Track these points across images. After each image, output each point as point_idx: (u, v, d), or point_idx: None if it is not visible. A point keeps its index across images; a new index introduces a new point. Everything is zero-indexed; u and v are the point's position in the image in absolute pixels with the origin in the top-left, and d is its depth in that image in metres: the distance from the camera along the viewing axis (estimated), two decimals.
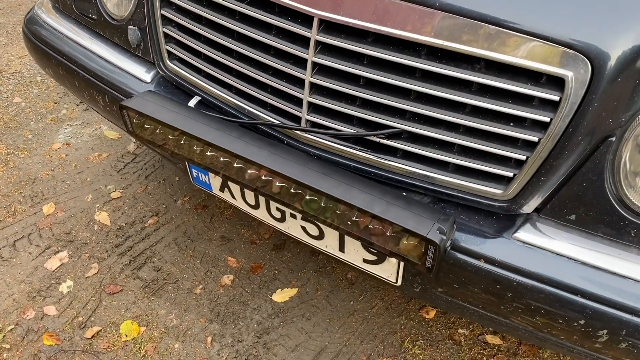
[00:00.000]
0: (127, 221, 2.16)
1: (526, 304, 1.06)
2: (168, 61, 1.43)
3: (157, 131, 1.24)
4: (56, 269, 1.97)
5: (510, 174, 1.05)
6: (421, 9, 0.99)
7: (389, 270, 1.23)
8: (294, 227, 1.32)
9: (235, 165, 1.15)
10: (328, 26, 1.10)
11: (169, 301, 1.87)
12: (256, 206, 1.37)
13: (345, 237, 1.24)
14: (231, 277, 1.95)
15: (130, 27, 1.48)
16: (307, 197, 1.07)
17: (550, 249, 1.04)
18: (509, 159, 1.05)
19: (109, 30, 1.57)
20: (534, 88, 0.96)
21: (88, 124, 2.65)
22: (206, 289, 1.91)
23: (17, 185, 2.30)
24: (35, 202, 2.22)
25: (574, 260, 1.02)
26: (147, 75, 1.50)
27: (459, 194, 1.12)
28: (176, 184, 2.32)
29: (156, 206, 2.22)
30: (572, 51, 0.91)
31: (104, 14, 1.55)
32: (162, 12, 1.36)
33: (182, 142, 1.21)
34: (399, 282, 1.23)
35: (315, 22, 1.08)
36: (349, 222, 1.04)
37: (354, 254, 1.25)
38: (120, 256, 2.02)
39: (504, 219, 1.10)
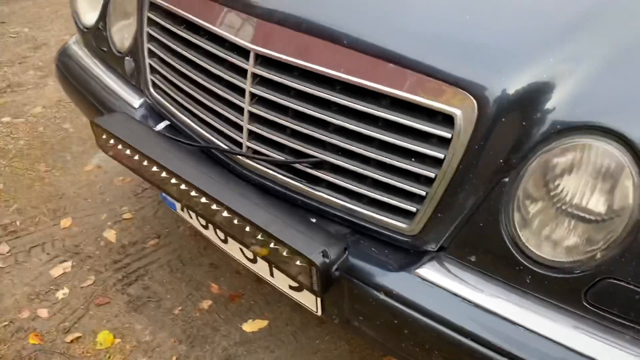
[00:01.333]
0: (130, 240, 2.30)
1: (421, 342, 1.04)
2: (152, 89, 1.58)
3: (119, 147, 1.37)
4: (58, 276, 2.13)
5: (414, 209, 1.06)
6: (333, 45, 1.06)
7: (310, 299, 1.24)
8: (235, 249, 1.38)
9: (172, 181, 1.24)
10: (265, 60, 1.19)
11: (147, 318, 1.96)
12: (206, 227, 1.44)
13: None
14: (210, 302, 2.01)
15: (126, 58, 1.66)
16: (223, 215, 1.14)
17: (446, 288, 1.02)
18: (413, 194, 1.06)
19: (113, 61, 1.76)
20: (430, 125, 0.99)
21: None
22: (184, 311, 1.98)
23: (46, 200, 2.53)
24: (57, 216, 2.43)
25: (468, 301, 1.00)
26: (137, 102, 1.66)
27: (372, 227, 1.14)
28: None
29: (160, 229, 2.35)
30: (460, 89, 0.94)
31: (111, 46, 1.75)
32: (148, 45, 1.52)
33: (135, 158, 1.32)
34: (319, 312, 1.25)
35: (252, 55, 1.18)
36: (254, 241, 1.09)
37: (282, 279, 1.29)
38: (116, 271, 2.15)
39: (412, 255, 1.11)
